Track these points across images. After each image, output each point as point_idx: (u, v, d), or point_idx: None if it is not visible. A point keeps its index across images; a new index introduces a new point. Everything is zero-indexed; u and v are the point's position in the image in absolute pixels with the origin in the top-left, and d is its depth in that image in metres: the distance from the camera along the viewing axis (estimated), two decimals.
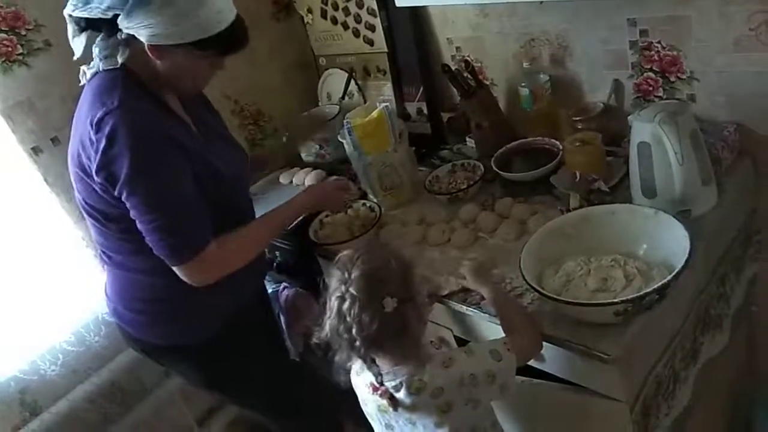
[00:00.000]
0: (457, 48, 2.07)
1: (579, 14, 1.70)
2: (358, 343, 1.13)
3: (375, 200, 1.88)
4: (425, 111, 2.19)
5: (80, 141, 1.32)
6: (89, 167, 1.30)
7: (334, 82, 2.37)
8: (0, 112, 1.77)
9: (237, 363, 1.59)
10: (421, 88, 2.16)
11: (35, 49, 1.81)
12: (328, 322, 1.16)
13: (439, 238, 1.67)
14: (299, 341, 1.96)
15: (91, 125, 1.27)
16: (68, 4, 1.30)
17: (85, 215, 1.44)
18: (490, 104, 1.94)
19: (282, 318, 1.98)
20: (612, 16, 1.63)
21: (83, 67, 1.38)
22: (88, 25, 1.30)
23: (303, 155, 2.30)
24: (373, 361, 1.18)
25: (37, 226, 1.90)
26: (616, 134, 1.65)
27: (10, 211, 1.86)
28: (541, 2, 1.62)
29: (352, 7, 2.16)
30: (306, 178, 2.17)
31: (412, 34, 2.09)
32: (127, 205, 1.29)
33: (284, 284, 2.02)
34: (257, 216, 1.59)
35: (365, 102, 2.26)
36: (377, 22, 2.11)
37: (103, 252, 1.50)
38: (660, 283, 1.14)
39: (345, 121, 1.87)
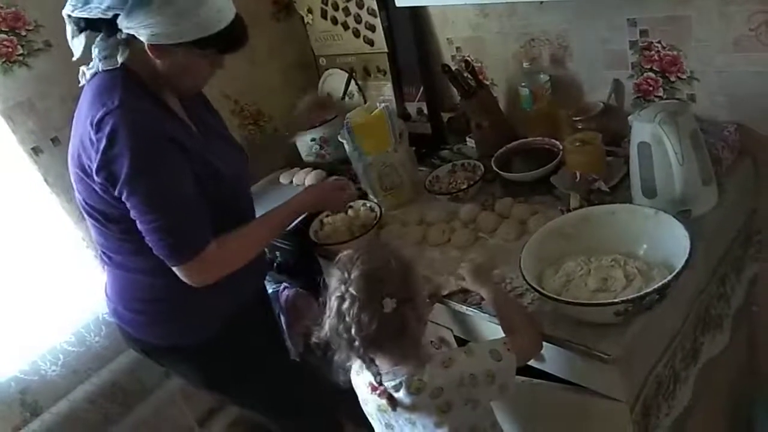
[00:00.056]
0: (457, 48, 2.07)
1: (579, 14, 1.70)
2: (357, 343, 1.13)
3: (375, 200, 1.88)
4: (425, 111, 2.19)
5: (80, 141, 1.32)
6: (89, 167, 1.30)
7: (334, 82, 2.37)
8: (0, 113, 1.78)
9: (237, 363, 1.59)
10: (421, 88, 2.16)
11: (35, 49, 1.82)
12: (328, 322, 1.16)
13: (440, 238, 1.67)
14: (299, 341, 1.96)
15: (92, 125, 1.27)
16: (67, 4, 1.30)
17: (85, 215, 1.44)
18: (490, 104, 1.94)
19: (282, 318, 1.98)
20: (612, 16, 1.63)
21: (83, 68, 1.38)
22: (87, 25, 1.30)
23: (303, 155, 2.30)
24: (372, 360, 1.18)
25: (37, 226, 1.90)
26: (616, 134, 1.65)
27: (11, 212, 1.86)
28: (541, 2, 1.62)
29: (352, 7, 2.16)
30: (306, 178, 2.18)
31: (412, 34, 2.10)
32: (127, 205, 1.29)
33: (284, 284, 2.02)
34: (257, 216, 1.59)
35: (365, 102, 2.26)
36: (377, 22, 2.11)
37: (103, 252, 1.50)
38: (660, 283, 1.14)
39: (345, 121, 1.88)
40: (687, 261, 1.15)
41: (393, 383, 1.17)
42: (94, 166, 1.28)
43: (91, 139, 1.28)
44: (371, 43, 2.18)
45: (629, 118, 1.41)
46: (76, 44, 1.33)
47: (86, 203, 1.40)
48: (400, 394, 1.16)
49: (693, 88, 1.59)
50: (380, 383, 1.17)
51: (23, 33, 1.79)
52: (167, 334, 1.52)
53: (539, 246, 1.35)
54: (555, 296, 1.22)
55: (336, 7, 2.22)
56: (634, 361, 1.23)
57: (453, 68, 1.92)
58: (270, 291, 1.96)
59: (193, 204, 1.33)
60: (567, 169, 1.60)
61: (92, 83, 1.35)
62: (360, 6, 2.13)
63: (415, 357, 1.17)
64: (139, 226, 1.31)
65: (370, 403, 1.24)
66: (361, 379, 1.24)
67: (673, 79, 1.61)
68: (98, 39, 1.32)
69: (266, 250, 1.93)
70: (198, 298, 1.40)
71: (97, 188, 1.32)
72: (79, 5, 1.27)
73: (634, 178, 1.44)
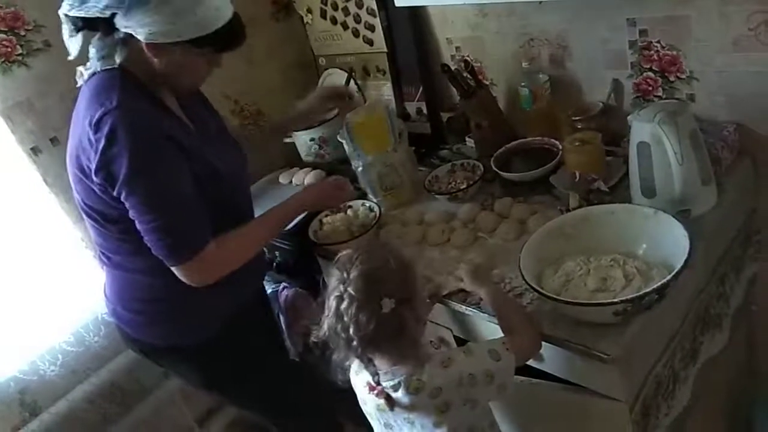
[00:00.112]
0: (457, 48, 2.07)
1: (578, 14, 1.70)
2: (355, 342, 1.13)
3: (374, 200, 1.88)
4: (425, 111, 2.19)
5: (79, 141, 1.32)
6: (88, 167, 1.30)
7: (333, 82, 2.37)
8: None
9: (236, 363, 1.58)
10: (421, 88, 2.16)
11: (34, 49, 1.82)
12: (326, 321, 1.16)
13: (439, 238, 1.67)
14: (299, 341, 1.96)
15: (90, 125, 1.27)
16: (64, 3, 1.29)
17: (83, 216, 1.44)
18: (490, 104, 1.94)
19: (281, 318, 1.98)
20: (611, 15, 1.63)
21: (80, 68, 1.37)
22: (84, 24, 1.30)
23: (302, 155, 2.30)
24: (370, 360, 1.18)
25: (36, 226, 1.90)
26: (615, 134, 1.65)
27: (10, 212, 1.86)
28: (540, 2, 1.62)
29: (352, 7, 2.16)
30: (305, 178, 2.18)
31: (411, 34, 2.09)
32: (126, 205, 1.29)
33: (284, 284, 2.02)
34: (256, 215, 1.58)
35: (365, 102, 2.26)
36: (377, 22, 2.11)
37: (102, 253, 1.49)
38: (659, 283, 1.14)
39: (344, 120, 1.87)
40: (686, 261, 1.15)
41: (392, 383, 1.17)
42: (93, 167, 1.28)
43: (89, 140, 1.28)
44: (371, 42, 2.18)
45: (628, 117, 1.41)
46: (73, 44, 1.33)
47: (85, 203, 1.40)
48: (399, 394, 1.16)
49: (692, 88, 1.59)
50: (378, 383, 1.17)
51: (22, 33, 1.79)
52: (166, 334, 1.52)
53: (538, 246, 1.35)
54: (554, 296, 1.22)
55: (335, 7, 2.22)
56: (634, 361, 1.23)
57: (452, 68, 1.92)
58: (269, 291, 1.96)
59: (192, 204, 1.33)
60: (566, 169, 1.60)
61: (90, 83, 1.35)
62: (359, 6, 2.13)
63: (414, 357, 1.17)
64: (137, 226, 1.31)
65: (368, 403, 1.24)
66: (359, 378, 1.24)
67: (672, 78, 1.61)
68: (95, 38, 1.32)
69: (265, 249, 1.92)
70: (197, 298, 1.39)
71: (95, 188, 1.32)
72: (76, 4, 1.27)
73: (634, 178, 1.44)
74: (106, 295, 1.57)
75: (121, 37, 1.29)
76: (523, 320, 1.29)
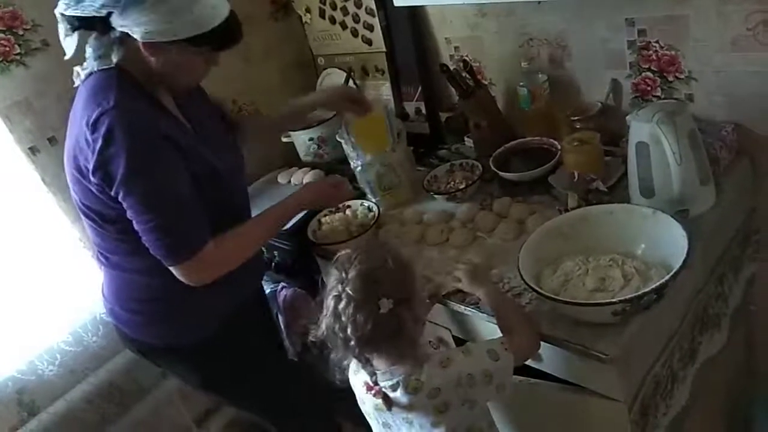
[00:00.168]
0: (456, 48, 2.07)
1: (577, 14, 1.70)
2: (352, 342, 1.13)
3: (373, 200, 1.88)
4: (423, 111, 2.19)
5: (76, 142, 1.32)
6: (85, 168, 1.30)
7: (332, 81, 2.37)
8: None
9: (234, 364, 1.58)
10: (420, 88, 2.16)
11: (33, 48, 1.81)
12: (324, 321, 1.16)
13: (438, 237, 1.67)
14: (297, 341, 1.96)
15: (87, 126, 1.27)
16: (60, 2, 1.29)
17: (81, 216, 1.44)
18: (489, 104, 1.94)
19: (280, 318, 1.98)
20: (610, 15, 1.63)
21: (77, 68, 1.37)
22: (80, 23, 1.29)
23: (301, 155, 2.30)
24: (368, 360, 1.18)
25: (35, 226, 1.90)
26: (614, 134, 1.65)
27: (8, 212, 1.86)
28: (539, 2, 1.62)
29: (351, 7, 2.16)
30: (304, 178, 2.18)
31: (410, 34, 2.09)
32: (124, 205, 1.29)
33: (282, 284, 2.02)
34: (253, 214, 1.58)
35: None
36: (376, 21, 2.11)
37: (100, 252, 1.49)
38: (658, 283, 1.14)
39: (344, 120, 1.87)
40: (685, 261, 1.15)
41: (390, 383, 1.17)
42: (90, 167, 1.27)
43: (87, 140, 1.27)
44: (369, 42, 2.18)
45: (627, 117, 1.41)
46: (69, 43, 1.32)
47: (82, 203, 1.39)
48: (397, 394, 1.16)
49: (691, 88, 1.59)
50: (376, 383, 1.17)
51: (21, 32, 1.79)
52: (164, 334, 1.51)
53: (537, 246, 1.35)
54: (553, 296, 1.22)
55: (334, 7, 2.22)
56: (632, 361, 1.23)
57: (451, 68, 1.92)
58: (268, 291, 1.96)
59: (190, 203, 1.33)
60: (565, 169, 1.60)
61: (87, 83, 1.35)
62: (358, 5, 2.13)
63: (413, 357, 1.17)
64: (135, 226, 1.31)
65: (367, 403, 1.24)
66: (358, 378, 1.24)
67: (671, 78, 1.61)
68: (92, 38, 1.31)
69: (264, 249, 1.92)
70: (195, 298, 1.39)
71: (93, 189, 1.32)
72: (72, 3, 1.26)
73: (632, 178, 1.44)
74: (104, 295, 1.57)
75: (117, 37, 1.29)
76: (522, 320, 1.29)
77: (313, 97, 1.91)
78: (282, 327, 1.97)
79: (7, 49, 1.77)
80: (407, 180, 1.89)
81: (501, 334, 1.27)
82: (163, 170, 1.30)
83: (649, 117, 1.33)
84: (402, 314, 1.13)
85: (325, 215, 1.86)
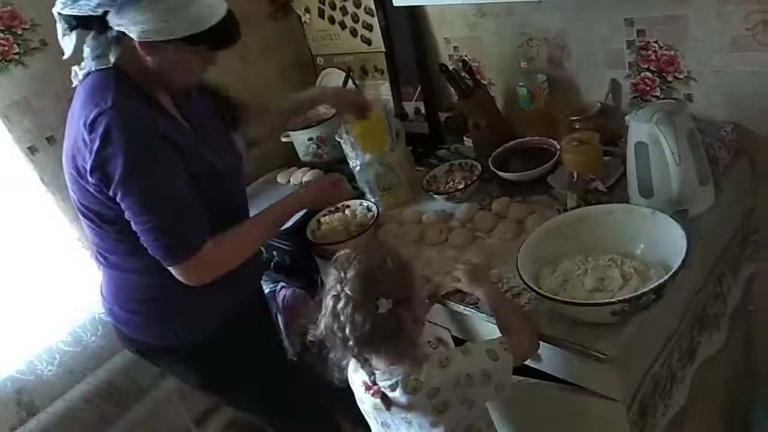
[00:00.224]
0: (455, 47, 2.07)
1: (576, 14, 1.70)
2: (351, 342, 1.13)
3: (372, 200, 1.87)
4: (423, 111, 2.19)
5: (74, 142, 1.32)
6: (83, 168, 1.29)
7: (331, 81, 2.37)
8: None
9: (233, 364, 1.58)
10: (419, 88, 2.16)
11: (31, 48, 1.81)
12: (323, 321, 1.16)
13: (437, 237, 1.67)
14: (297, 341, 1.96)
15: (85, 126, 1.27)
16: (57, 1, 1.28)
17: (80, 216, 1.44)
18: (488, 104, 1.94)
19: (279, 318, 1.98)
20: (609, 15, 1.64)
21: (74, 68, 1.37)
22: (78, 23, 1.29)
23: (300, 155, 2.29)
24: (367, 360, 1.18)
25: (33, 226, 1.90)
26: (613, 134, 1.65)
27: (7, 211, 1.85)
28: (539, 2, 1.61)
29: (350, 7, 2.16)
30: (303, 178, 2.17)
31: (409, 34, 2.09)
32: (122, 205, 1.29)
33: (281, 284, 2.02)
34: (252, 214, 1.58)
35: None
36: (375, 21, 2.11)
37: (99, 252, 1.49)
38: (657, 283, 1.14)
39: (344, 120, 1.87)
40: (684, 261, 1.15)
41: (389, 382, 1.17)
42: (88, 167, 1.27)
43: (84, 140, 1.27)
44: (369, 42, 2.18)
45: (626, 117, 1.41)
46: (67, 43, 1.32)
47: (81, 204, 1.39)
48: (396, 394, 1.16)
49: (690, 88, 1.59)
50: (374, 382, 1.17)
51: (19, 32, 1.79)
52: (163, 334, 1.51)
53: (536, 246, 1.35)
54: (552, 296, 1.22)
55: (333, 7, 2.22)
56: (631, 361, 1.23)
57: (450, 68, 1.92)
58: (267, 290, 1.96)
59: (189, 203, 1.33)
60: (564, 169, 1.60)
61: (85, 83, 1.34)
62: (357, 5, 2.13)
63: (412, 357, 1.17)
64: (134, 226, 1.31)
65: (365, 402, 1.24)
66: (357, 377, 1.24)
67: (670, 78, 1.61)
68: (89, 37, 1.30)
69: (263, 249, 1.92)
70: (194, 298, 1.39)
71: (91, 189, 1.32)
72: (69, 2, 1.26)
73: (631, 178, 1.44)
74: (102, 295, 1.57)
75: (114, 36, 1.28)
76: (521, 320, 1.28)
77: (313, 94, 1.91)
78: (281, 327, 1.97)
79: (6, 48, 1.77)
80: (406, 180, 1.89)
81: (500, 334, 1.27)
82: (161, 170, 1.30)
83: (648, 117, 1.33)
84: (401, 314, 1.13)
85: (325, 215, 1.86)
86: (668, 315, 1.32)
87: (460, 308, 1.43)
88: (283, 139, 2.34)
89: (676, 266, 1.15)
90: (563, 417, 1.38)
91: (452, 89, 1.94)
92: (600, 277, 1.27)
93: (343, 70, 2.29)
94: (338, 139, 1.92)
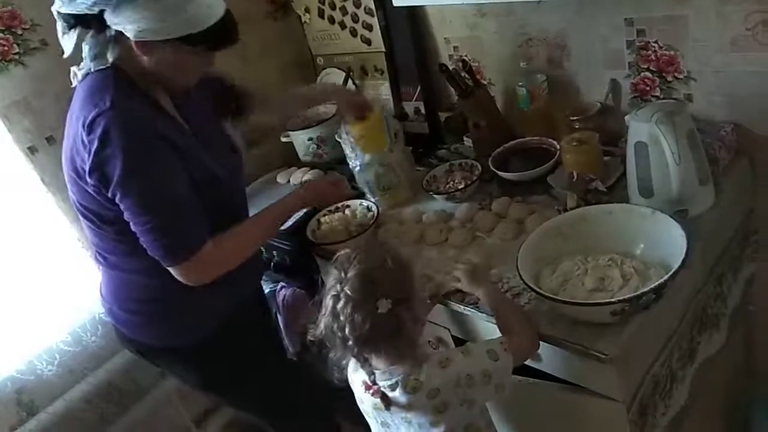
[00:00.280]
0: (455, 47, 2.07)
1: (576, 14, 1.70)
2: (350, 342, 1.13)
3: (372, 200, 1.87)
4: (423, 111, 2.19)
5: (73, 142, 1.31)
6: (82, 169, 1.29)
7: (331, 81, 2.36)
8: None
9: (233, 364, 1.58)
10: (419, 88, 2.16)
11: (31, 48, 1.81)
12: (323, 320, 1.16)
13: (437, 237, 1.67)
14: (297, 341, 1.96)
15: (83, 127, 1.26)
16: (56, 0, 1.28)
17: (80, 216, 1.43)
18: (488, 104, 1.94)
19: (279, 318, 1.98)
20: (609, 15, 1.63)
21: (73, 68, 1.36)
22: (77, 21, 1.28)
23: (300, 155, 2.29)
24: (366, 360, 1.18)
25: (34, 226, 1.90)
26: (613, 134, 1.65)
27: (7, 211, 1.85)
28: (539, 2, 1.61)
29: (350, 7, 2.16)
30: (303, 178, 2.17)
31: (409, 34, 2.09)
32: (121, 206, 1.28)
33: (281, 284, 2.02)
34: (252, 214, 1.58)
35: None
36: (375, 21, 2.11)
37: (98, 253, 1.49)
38: (657, 283, 1.14)
39: (343, 121, 1.87)
40: (684, 261, 1.15)
41: (389, 382, 1.17)
42: (87, 168, 1.27)
43: (83, 141, 1.27)
44: (368, 42, 2.18)
45: (626, 117, 1.41)
46: (67, 41, 1.31)
47: (80, 204, 1.39)
48: (396, 393, 1.16)
49: (690, 88, 1.59)
50: (374, 382, 1.17)
51: (19, 32, 1.79)
52: (163, 334, 1.51)
53: (536, 245, 1.35)
54: (552, 296, 1.22)
55: (333, 7, 2.22)
56: (631, 361, 1.23)
57: (450, 68, 1.92)
58: (267, 290, 1.96)
59: (188, 203, 1.32)
60: (564, 169, 1.60)
61: (84, 84, 1.34)
62: (357, 5, 2.13)
63: (412, 357, 1.17)
64: (133, 227, 1.30)
65: (365, 402, 1.24)
66: (357, 376, 1.24)
67: (670, 78, 1.61)
68: (89, 36, 1.30)
69: (263, 249, 1.92)
70: (194, 298, 1.39)
71: (90, 190, 1.31)
72: (66, 1, 1.25)
73: (631, 178, 1.44)
74: (102, 295, 1.56)
75: (112, 35, 1.27)
76: (521, 320, 1.28)
77: (316, 93, 1.91)
78: (281, 327, 1.97)
79: (6, 48, 1.77)
80: (406, 180, 1.89)
81: (500, 334, 1.27)
82: (160, 171, 1.29)
83: (648, 117, 1.33)
84: (401, 314, 1.13)
85: (325, 215, 1.86)
86: (668, 315, 1.32)
87: (461, 308, 1.43)
88: (283, 139, 2.34)
89: (676, 266, 1.15)
90: (563, 417, 1.38)
91: (452, 89, 1.94)
92: (600, 277, 1.27)
93: (343, 70, 2.29)
94: (338, 139, 1.92)
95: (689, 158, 1.33)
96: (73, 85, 1.38)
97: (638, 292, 1.15)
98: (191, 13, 1.24)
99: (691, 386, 1.42)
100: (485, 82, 2.02)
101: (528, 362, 1.32)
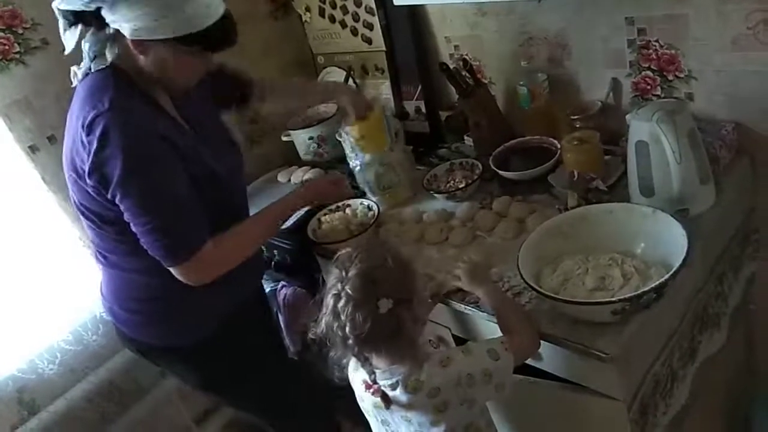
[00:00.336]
0: (456, 46, 2.07)
1: (577, 13, 1.70)
2: (351, 341, 1.13)
3: (373, 199, 1.87)
4: (423, 110, 2.19)
5: (73, 143, 1.31)
6: (82, 169, 1.29)
7: (332, 80, 2.36)
8: None
9: (234, 363, 1.58)
10: (420, 87, 2.16)
11: (32, 47, 1.81)
12: (324, 319, 1.16)
13: (437, 236, 1.67)
14: (297, 340, 1.96)
15: (83, 127, 1.26)
16: None
17: (80, 216, 1.43)
18: (488, 103, 1.94)
19: (280, 317, 1.98)
20: (610, 14, 1.63)
21: (73, 68, 1.36)
22: (77, 18, 1.27)
23: (301, 154, 2.30)
24: (367, 359, 1.18)
25: (35, 225, 1.90)
26: (614, 133, 1.65)
27: (9, 211, 1.86)
28: (539, 1, 1.61)
29: (350, 6, 2.16)
30: (304, 177, 2.18)
31: (410, 33, 2.09)
32: (121, 207, 1.28)
33: (282, 283, 2.02)
34: (252, 213, 1.58)
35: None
36: (375, 20, 2.11)
37: (99, 252, 1.49)
38: (658, 282, 1.14)
39: (343, 121, 1.87)
40: (684, 260, 1.15)
41: (389, 382, 1.17)
42: (87, 169, 1.26)
43: (82, 142, 1.26)
44: (369, 41, 2.18)
45: (627, 116, 1.41)
46: (68, 39, 1.31)
47: (81, 204, 1.38)
48: (396, 393, 1.16)
49: (691, 87, 1.59)
50: (374, 381, 1.17)
51: (20, 31, 1.79)
52: (163, 334, 1.51)
53: (537, 245, 1.35)
54: (553, 295, 1.22)
55: (334, 5, 2.22)
56: (632, 360, 1.23)
57: (451, 67, 1.92)
58: (268, 290, 1.96)
59: (188, 203, 1.32)
60: (565, 168, 1.60)
61: (83, 84, 1.33)
62: (358, 4, 2.13)
63: (412, 357, 1.16)
64: (133, 228, 1.30)
65: (366, 401, 1.24)
66: (357, 375, 1.24)
67: (670, 77, 1.61)
68: (89, 33, 1.29)
69: (264, 248, 1.92)
70: (195, 298, 1.39)
71: (90, 190, 1.31)
72: None
73: (632, 177, 1.44)
74: (102, 294, 1.56)
75: (111, 33, 1.26)
76: (522, 319, 1.28)
77: (321, 89, 1.93)
78: (282, 326, 1.97)
79: (7, 47, 1.77)
80: (406, 179, 1.89)
81: (501, 334, 1.27)
82: (159, 171, 1.29)
83: (648, 116, 1.33)
84: (401, 314, 1.13)
85: (325, 214, 1.86)
86: (669, 314, 1.32)
87: (461, 307, 1.43)
88: (284, 138, 2.34)
89: (676, 265, 1.15)
90: (564, 416, 1.38)
91: (453, 88, 1.94)
92: (601, 276, 1.27)
93: (344, 69, 2.29)
94: (338, 139, 1.92)
95: (690, 157, 1.33)
96: (74, 85, 1.37)
97: (639, 291, 1.15)
98: (189, 12, 1.22)
99: (692, 385, 1.42)
100: (486, 81, 2.02)
101: (529, 361, 1.32)
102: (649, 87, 1.67)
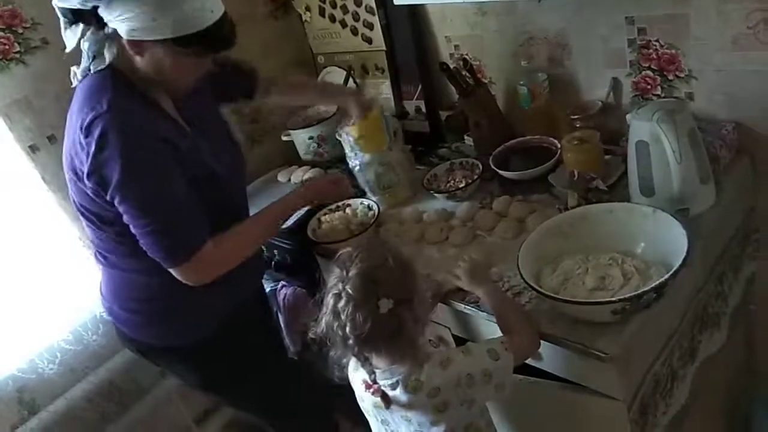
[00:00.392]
0: (456, 46, 2.07)
1: (577, 13, 1.70)
2: (351, 341, 1.12)
3: (373, 199, 1.87)
4: (423, 109, 2.19)
5: (72, 144, 1.31)
6: (80, 171, 1.28)
7: (332, 80, 2.36)
8: None
9: (234, 363, 1.58)
10: (420, 87, 2.16)
11: (32, 47, 1.81)
12: (324, 318, 1.16)
13: (437, 236, 1.67)
14: (297, 340, 1.96)
15: (81, 129, 1.25)
16: None
17: (80, 216, 1.43)
18: (489, 102, 1.94)
19: (280, 317, 1.98)
20: (610, 14, 1.63)
21: (73, 68, 1.35)
22: (76, 17, 1.27)
23: (301, 153, 2.30)
24: (367, 359, 1.17)
25: (35, 224, 1.90)
26: (614, 133, 1.65)
27: (9, 210, 1.86)
28: (540, 1, 1.61)
29: (351, 5, 2.16)
30: (304, 176, 2.18)
31: (410, 32, 2.09)
32: (120, 209, 1.28)
33: (282, 283, 2.02)
34: (252, 213, 1.58)
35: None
36: (375, 20, 2.11)
37: (98, 252, 1.49)
38: (658, 282, 1.14)
39: (343, 121, 1.87)
40: (685, 259, 1.14)
41: (389, 381, 1.17)
42: (85, 171, 1.26)
43: (81, 143, 1.26)
44: (369, 41, 2.18)
45: (627, 116, 1.41)
46: (69, 36, 1.30)
47: (80, 205, 1.38)
48: (396, 393, 1.16)
49: (691, 87, 1.59)
50: (374, 381, 1.17)
51: (20, 31, 1.79)
52: (163, 334, 1.51)
53: (537, 244, 1.35)
54: (553, 295, 1.22)
55: (334, 5, 2.22)
56: (632, 360, 1.23)
57: (451, 66, 1.91)
58: (268, 289, 1.96)
59: (188, 204, 1.32)
60: (565, 168, 1.60)
61: (82, 85, 1.33)
62: (358, 4, 2.13)
63: (412, 357, 1.16)
64: (132, 229, 1.30)
65: (366, 400, 1.24)
66: (357, 375, 1.24)
67: (671, 77, 1.61)
68: (89, 32, 1.28)
69: (264, 248, 1.92)
70: (194, 298, 1.39)
71: (89, 192, 1.31)
72: None
73: (632, 177, 1.44)
74: (102, 294, 1.56)
75: (110, 33, 1.25)
76: (522, 319, 1.28)
77: (327, 89, 1.95)
78: (282, 326, 1.97)
79: (7, 47, 1.77)
80: (406, 179, 1.89)
81: (501, 333, 1.27)
82: (158, 172, 1.28)
83: (649, 116, 1.33)
84: (402, 314, 1.13)
85: (325, 214, 1.86)
86: (669, 314, 1.32)
87: (461, 307, 1.43)
88: (284, 138, 2.34)
89: (677, 265, 1.15)
90: (564, 416, 1.38)
91: (453, 88, 1.94)
92: (601, 275, 1.27)
93: (344, 69, 2.29)
94: (338, 139, 1.92)
95: (690, 157, 1.33)
96: (73, 85, 1.37)
97: (639, 291, 1.15)
98: (187, 13, 1.21)
99: (692, 385, 1.42)
100: (486, 81, 2.02)
101: (529, 361, 1.32)
102: (649, 86, 1.67)
